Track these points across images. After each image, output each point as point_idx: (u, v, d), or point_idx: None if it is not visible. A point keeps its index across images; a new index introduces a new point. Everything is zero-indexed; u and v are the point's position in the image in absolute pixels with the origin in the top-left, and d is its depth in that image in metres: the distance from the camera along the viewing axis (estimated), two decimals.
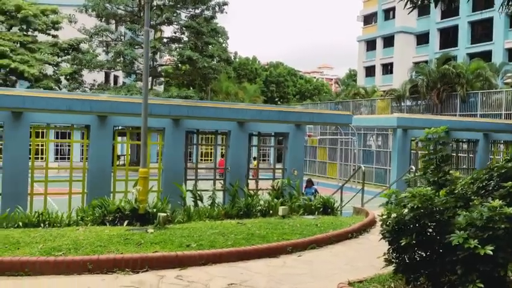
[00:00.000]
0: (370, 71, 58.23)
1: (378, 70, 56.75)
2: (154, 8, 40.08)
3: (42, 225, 8.84)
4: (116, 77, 53.13)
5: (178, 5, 40.38)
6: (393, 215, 4.89)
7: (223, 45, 43.46)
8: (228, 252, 6.66)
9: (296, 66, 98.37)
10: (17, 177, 10.41)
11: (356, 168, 23.14)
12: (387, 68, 55.93)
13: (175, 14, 40.46)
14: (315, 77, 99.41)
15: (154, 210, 9.25)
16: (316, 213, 11.16)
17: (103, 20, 39.68)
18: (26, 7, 36.97)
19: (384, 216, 5.02)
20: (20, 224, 8.69)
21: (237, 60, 70.76)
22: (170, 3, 39.84)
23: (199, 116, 11.82)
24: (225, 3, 40.45)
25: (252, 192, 11.99)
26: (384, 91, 42.60)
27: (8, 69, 34.85)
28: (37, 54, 36.15)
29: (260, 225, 8.91)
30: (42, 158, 36.10)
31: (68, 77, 38.05)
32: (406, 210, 4.77)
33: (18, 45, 36.23)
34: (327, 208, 11.55)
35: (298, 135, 13.49)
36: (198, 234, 7.72)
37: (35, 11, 37.65)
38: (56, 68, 38.30)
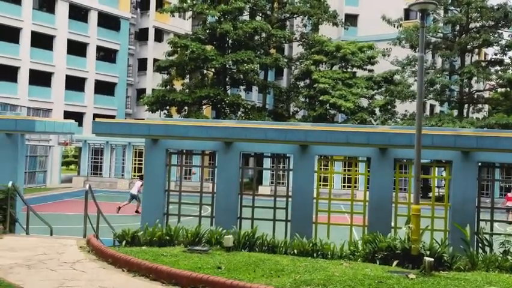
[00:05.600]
0: None
1: None
2: (472, 30, 37.68)
3: (315, 254, 9.12)
4: (432, 106, 51.92)
5: (499, 25, 36.79)
6: None
7: None
8: None
9: None
10: (304, 206, 11.12)
11: None
12: None
13: (495, 35, 37.02)
14: None
15: (428, 252, 8.38)
16: None
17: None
18: (345, 46, 40.18)
19: None
20: (295, 251, 9.18)
21: None
22: (490, 22, 36.66)
23: (495, 148, 10.23)
24: None
25: None
26: None
27: (328, 104, 38.40)
28: (353, 88, 38.63)
29: None
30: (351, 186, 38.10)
31: (381, 109, 39.25)
32: None
33: (339, 82, 39.50)
34: None
35: None
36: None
37: (353, 49, 40.50)
38: (370, 101, 40.09)
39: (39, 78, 39.97)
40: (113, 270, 7.68)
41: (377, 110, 39.86)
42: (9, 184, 10.85)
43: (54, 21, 40.89)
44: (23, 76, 38.83)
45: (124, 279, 7.26)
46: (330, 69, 41.14)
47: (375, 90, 40.41)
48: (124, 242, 9.57)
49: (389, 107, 39.10)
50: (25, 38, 38.87)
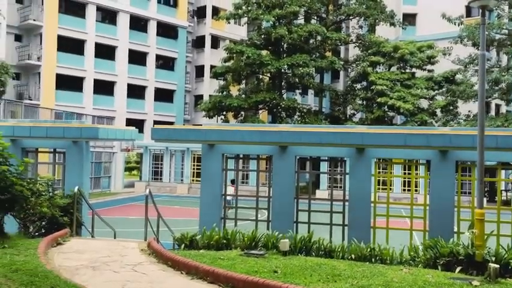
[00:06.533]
0: None
1: None
2: None
3: (373, 259, 8.93)
4: (498, 106, 49.63)
5: None
6: None
7: None
8: None
9: None
10: (361, 210, 10.94)
11: None
12: None
13: None
14: None
15: (493, 258, 8.01)
16: None
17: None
18: (403, 46, 39.16)
19: None
20: (353, 256, 9.03)
21: None
22: None
23: None
24: None
25: None
26: None
27: (386, 106, 37.56)
28: (412, 89, 37.56)
29: None
30: (410, 190, 36.93)
31: (442, 110, 37.95)
32: None
33: (398, 83, 38.51)
34: None
35: None
36: None
37: (412, 49, 39.41)
38: (431, 102, 38.84)
39: (103, 88, 41.70)
40: (172, 273, 7.87)
41: (438, 111, 38.57)
42: (76, 189, 11.38)
43: (116, 33, 42.56)
44: (88, 86, 40.65)
45: (182, 281, 7.43)
46: (388, 70, 40.24)
47: (436, 91, 39.12)
48: (182, 246, 9.80)
49: (451, 107, 37.74)
50: (89, 49, 40.69)
